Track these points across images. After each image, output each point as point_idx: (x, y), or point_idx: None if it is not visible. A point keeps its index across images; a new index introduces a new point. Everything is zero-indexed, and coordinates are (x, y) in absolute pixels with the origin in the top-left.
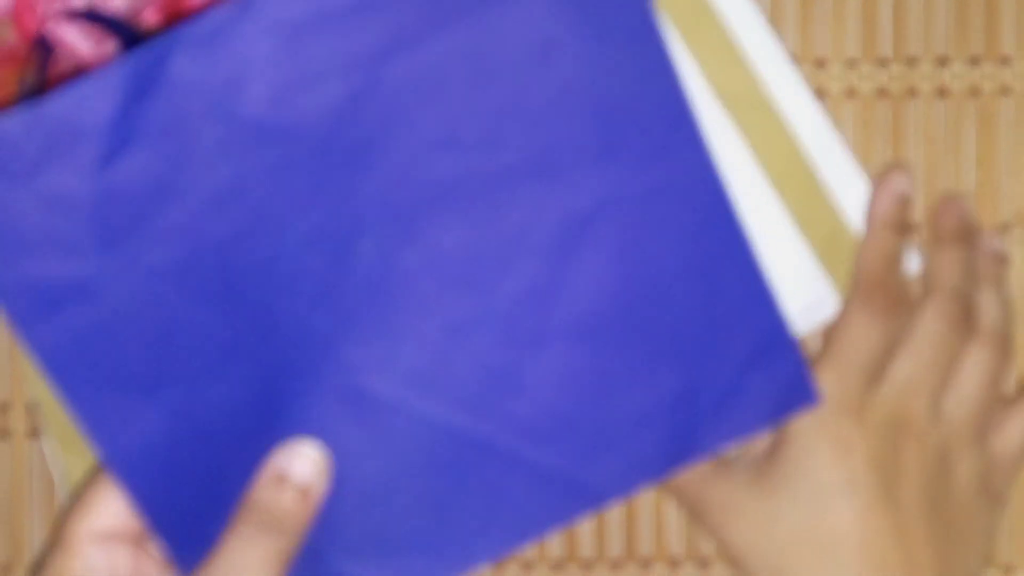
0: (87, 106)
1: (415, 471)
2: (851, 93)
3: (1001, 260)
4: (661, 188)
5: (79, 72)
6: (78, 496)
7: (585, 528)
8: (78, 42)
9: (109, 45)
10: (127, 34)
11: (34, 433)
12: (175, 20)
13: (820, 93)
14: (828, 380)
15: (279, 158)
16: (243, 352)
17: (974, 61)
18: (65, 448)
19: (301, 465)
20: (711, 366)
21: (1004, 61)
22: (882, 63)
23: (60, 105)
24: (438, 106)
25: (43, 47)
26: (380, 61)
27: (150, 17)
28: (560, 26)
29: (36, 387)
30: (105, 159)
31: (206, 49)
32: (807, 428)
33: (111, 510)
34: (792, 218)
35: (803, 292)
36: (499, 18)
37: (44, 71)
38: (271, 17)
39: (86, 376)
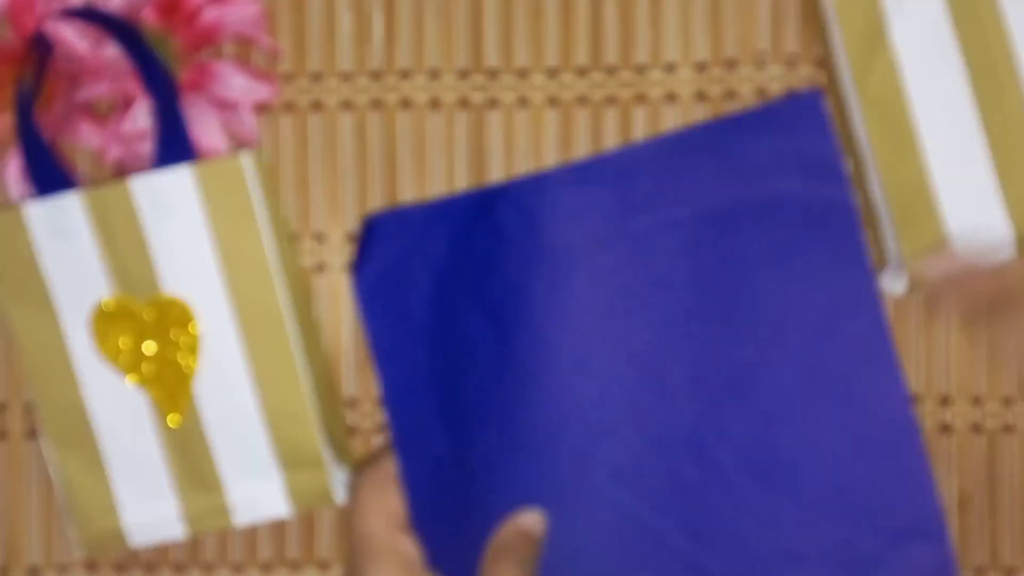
0: (439, 218)
1: (606, 547)
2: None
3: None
4: (854, 375)
5: (76, 71)
6: (366, 490)
7: None
8: (75, 41)
9: (106, 44)
10: (124, 33)
11: (31, 434)
12: (172, 18)
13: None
14: None
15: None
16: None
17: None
18: (60, 448)
19: (532, 520)
20: (871, 528)
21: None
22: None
23: (421, 211)
24: (696, 277)
25: (41, 46)
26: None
27: (148, 16)
28: (774, 229)
29: (32, 388)
30: (444, 258)
31: (530, 200)
32: None
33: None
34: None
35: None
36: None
37: (42, 70)
38: (580, 186)
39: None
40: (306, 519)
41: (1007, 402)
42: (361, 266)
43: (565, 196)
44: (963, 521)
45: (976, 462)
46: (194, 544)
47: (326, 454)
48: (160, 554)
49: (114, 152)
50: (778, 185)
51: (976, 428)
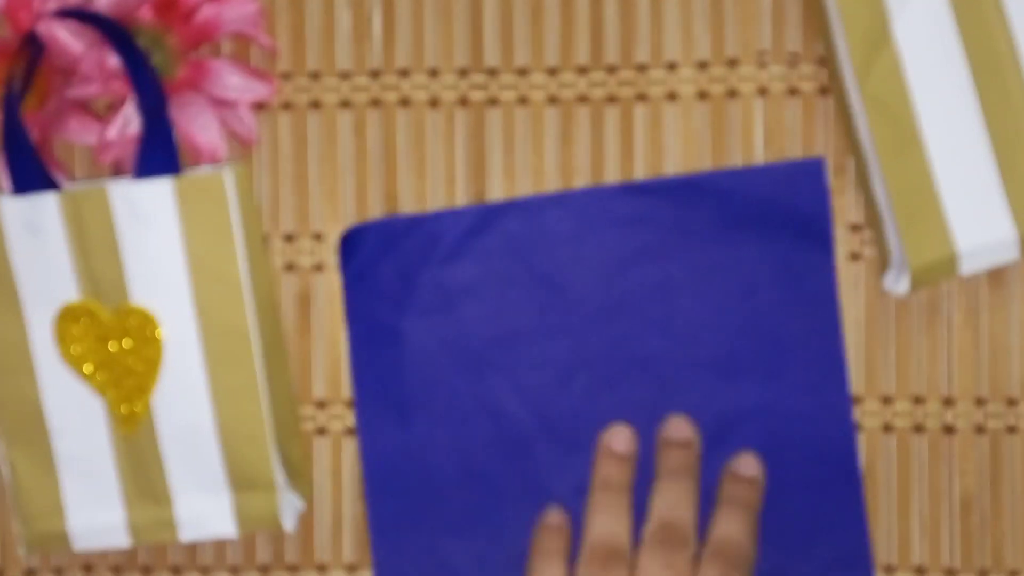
0: (445, 226)
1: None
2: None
3: (751, 484)
4: (806, 414)
5: (69, 70)
6: None
7: None
8: (69, 40)
9: (100, 44)
10: (116, 35)
11: None
12: (170, 16)
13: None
14: None
15: (551, 305)
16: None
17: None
18: (11, 445)
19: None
20: (804, 556)
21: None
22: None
23: (431, 220)
24: (666, 305)
25: (34, 44)
26: (632, 264)
27: (145, 14)
28: (761, 273)
29: None
30: (445, 261)
31: (526, 216)
32: None
33: None
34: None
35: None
36: (722, 253)
37: (33, 67)
38: (575, 209)
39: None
40: (305, 523)
41: (1011, 403)
42: (347, 275)
43: (557, 223)
44: (966, 523)
45: (979, 463)
46: (192, 547)
47: (279, 478)
48: (158, 557)
49: (110, 152)
50: (768, 239)
51: (979, 429)
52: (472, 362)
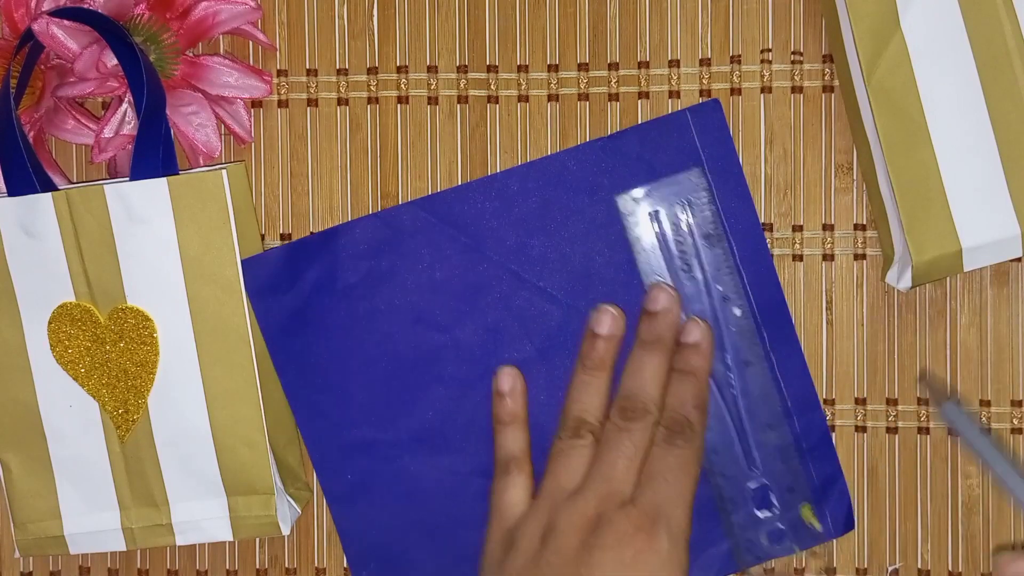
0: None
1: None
2: None
3: (695, 349)
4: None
5: (66, 68)
6: None
7: None
8: (65, 39)
9: (97, 42)
10: (115, 31)
11: None
12: (167, 13)
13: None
14: None
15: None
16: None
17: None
18: (6, 448)
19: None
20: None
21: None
22: None
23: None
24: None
25: (30, 42)
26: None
27: (143, 11)
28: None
29: None
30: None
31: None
32: None
33: None
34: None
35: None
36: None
37: (29, 66)
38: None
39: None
40: (303, 527)
41: (1016, 404)
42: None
43: (468, 207)
44: (969, 524)
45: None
46: (190, 550)
47: (276, 483)
48: (156, 559)
49: (106, 152)
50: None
51: (982, 430)
52: (407, 322)
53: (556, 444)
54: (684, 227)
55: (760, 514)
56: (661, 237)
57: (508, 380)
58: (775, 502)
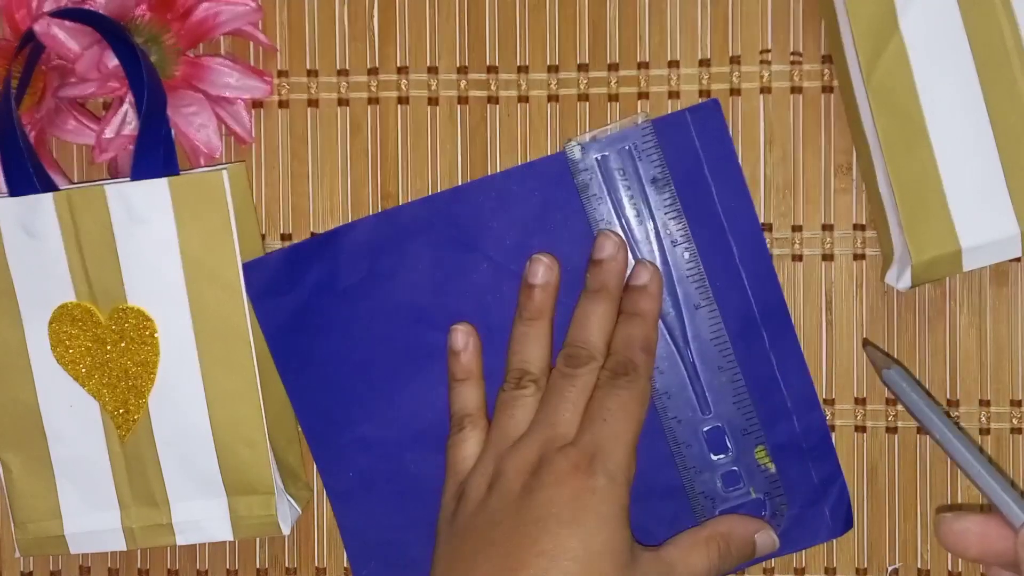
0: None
1: None
2: None
3: (643, 292)
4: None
5: (67, 69)
6: None
7: None
8: (66, 39)
9: (98, 43)
10: (116, 32)
11: None
12: (168, 14)
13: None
14: None
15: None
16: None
17: None
18: (6, 448)
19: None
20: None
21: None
22: None
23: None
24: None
25: (31, 43)
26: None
27: (144, 12)
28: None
29: None
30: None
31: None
32: None
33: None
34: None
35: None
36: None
37: (30, 67)
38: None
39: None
40: (304, 527)
41: (1016, 404)
42: (259, 303)
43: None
44: None
45: None
46: (190, 550)
47: (277, 483)
48: (156, 559)
49: (107, 152)
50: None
51: (983, 430)
52: (407, 321)
53: (500, 396)
54: (631, 172)
55: (714, 457)
56: (608, 182)
57: (461, 338)
58: (729, 445)
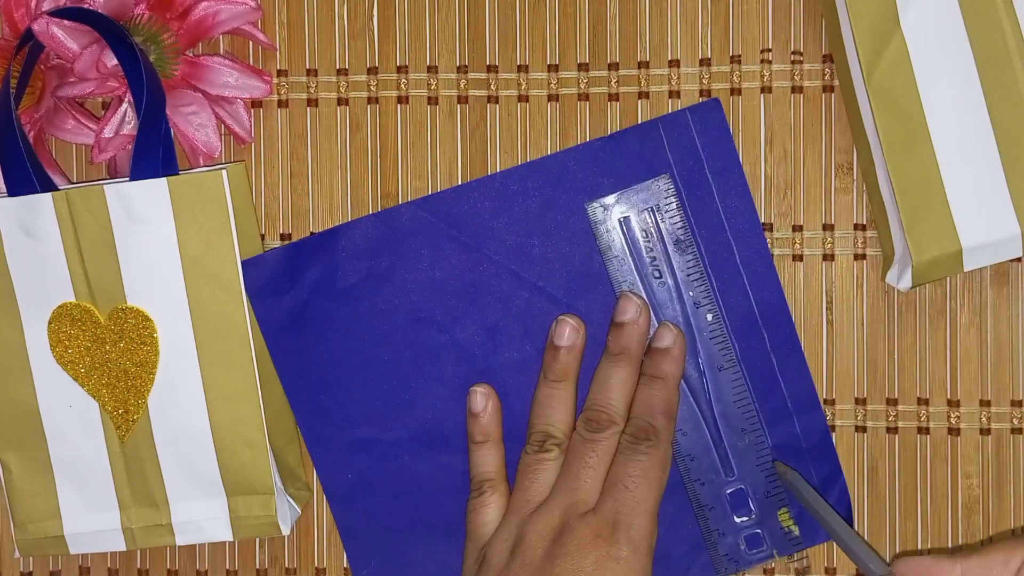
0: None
1: None
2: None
3: (666, 354)
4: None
5: (66, 68)
6: None
7: None
8: (65, 39)
9: (97, 42)
10: (115, 31)
11: None
12: (167, 13)
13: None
14: None
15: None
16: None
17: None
18: (6, 448)
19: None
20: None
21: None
22: None
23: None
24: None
25: (30, 42)
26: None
27: (143, 11)
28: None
29: None
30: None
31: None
32: None
33: None
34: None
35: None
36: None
37: (29, 66)
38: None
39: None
40: (304, 527)
41: (1016, 404)
42: (259, 302)
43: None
44: (970, 524)
45: (983, 464)
46: (190, 550)
47: (276, 483)
48: (156, 559)
49: (106, 152)
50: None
51: (984, 430)
52: (406, 321)
53: (523, 459)
54: (654, 233)
55: (738, 519)
56: (631, 244)
57: (481, 400)
58: (752, 507)
